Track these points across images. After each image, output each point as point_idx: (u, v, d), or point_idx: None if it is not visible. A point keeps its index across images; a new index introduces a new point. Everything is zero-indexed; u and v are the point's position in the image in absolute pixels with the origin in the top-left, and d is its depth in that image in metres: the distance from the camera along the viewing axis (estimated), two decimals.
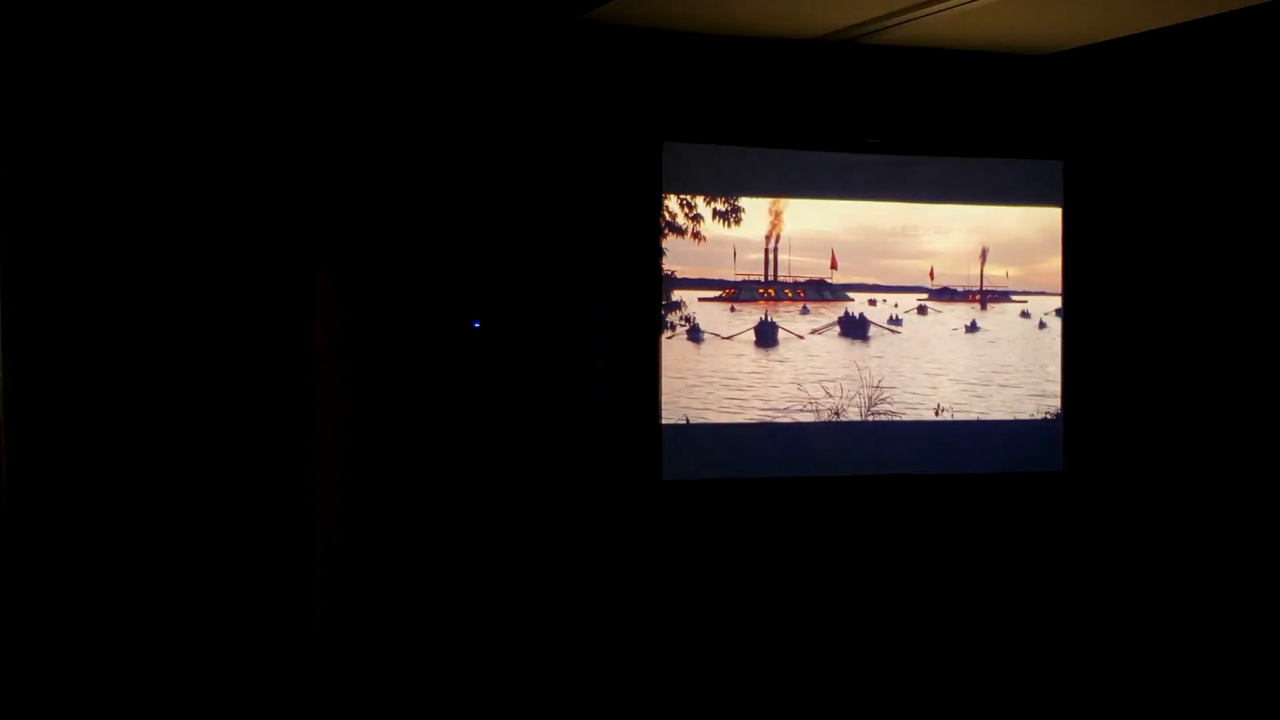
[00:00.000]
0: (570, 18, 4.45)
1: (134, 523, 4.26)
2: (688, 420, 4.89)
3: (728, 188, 4.90)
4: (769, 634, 5.06)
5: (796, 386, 4.98)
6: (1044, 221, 5.33)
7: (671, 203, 4.86)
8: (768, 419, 4.97)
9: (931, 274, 5.17)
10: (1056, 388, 5.33)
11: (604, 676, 4.89)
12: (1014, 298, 5.30)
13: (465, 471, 4.99)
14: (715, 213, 4.90)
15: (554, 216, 4.90)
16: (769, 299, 4.99)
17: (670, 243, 4.85)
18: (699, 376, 4.92)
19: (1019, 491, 5.44)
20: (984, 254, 5.25)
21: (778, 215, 4.97)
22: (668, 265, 4.86)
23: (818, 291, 5.05)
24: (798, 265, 5.03)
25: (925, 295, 5.18)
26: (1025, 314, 5.31)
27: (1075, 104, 5.62)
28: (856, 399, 5.05)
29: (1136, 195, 5.61)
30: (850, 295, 5.09)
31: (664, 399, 4.87)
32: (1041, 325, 5.33)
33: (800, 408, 5.00)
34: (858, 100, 5.16)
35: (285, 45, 4.49)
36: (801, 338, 5.03)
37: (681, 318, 4.88)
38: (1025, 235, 5.31)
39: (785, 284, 5.02)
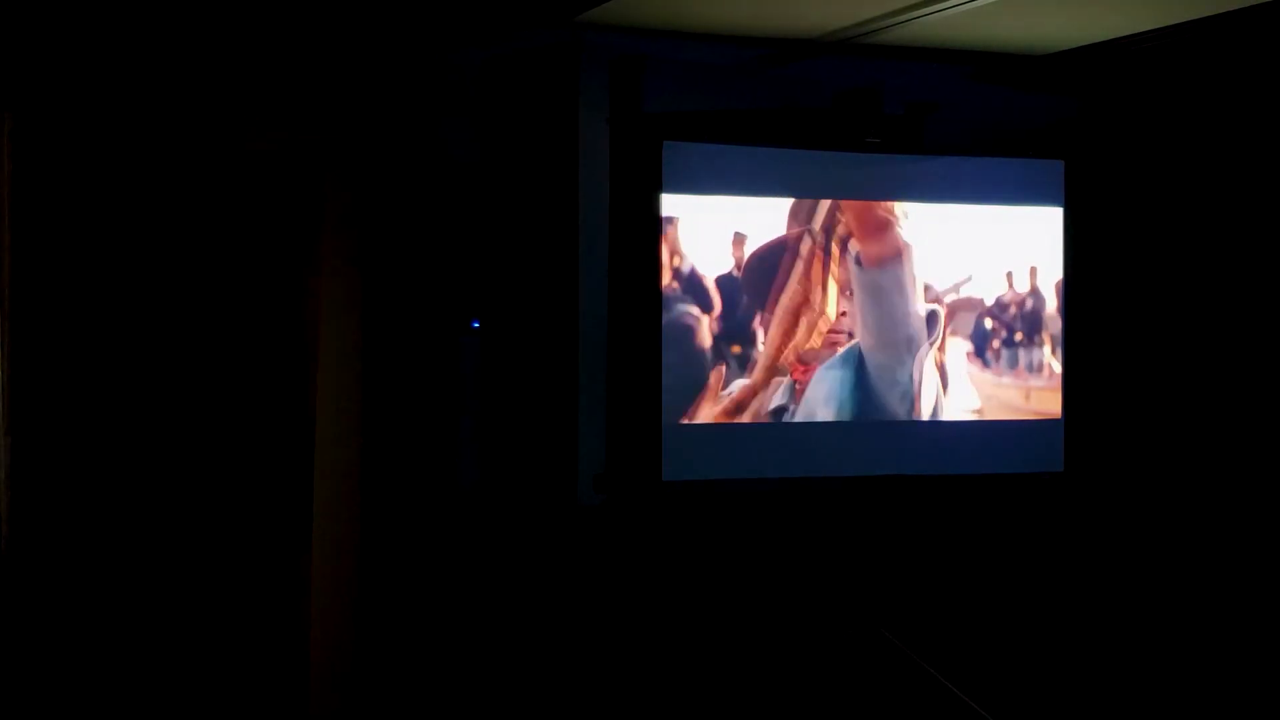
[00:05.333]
0: (568, 17, 4.45)
1: (132, 524, 4.27)
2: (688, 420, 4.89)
3: (727, 187, 4.90)
4: (770, 635, 5.06)
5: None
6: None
7: None
8: (768, 419, 4.96)
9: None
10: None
11: (604, 679, 4.88)
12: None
13: (465, 471, 5.00)
14: None
15: (553, 216, 4.90)
16: None
17: None
18: None
19: (1020, 492, 5.43)
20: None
21: None
22: None
23: None
24: None
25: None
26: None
27: (1075, 104, 5.62)
28: None
29: (1138, 195, 5.61)
30: None
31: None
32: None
33: None
34: (858, 100, 5.17)
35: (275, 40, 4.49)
36: None
37: None
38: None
39: None
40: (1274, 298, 5.24)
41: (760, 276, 4.94)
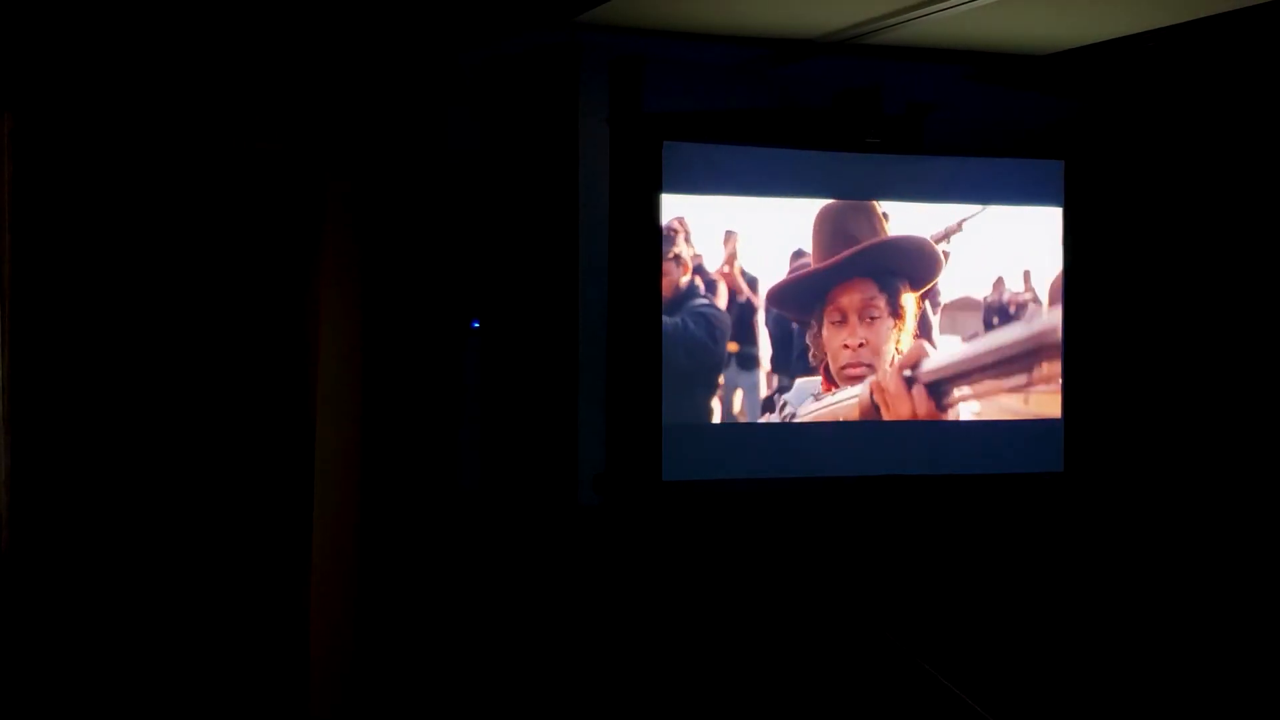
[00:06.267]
0: (568, 17, 4.45)
1: (134, 523, 4.26)
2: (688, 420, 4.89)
3: (727, 187, 4.90)
4: (770, 635, 5.06)
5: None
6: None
7: None
8: (768, 419, 4.96)
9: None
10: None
11: (604, 679, 4.89)
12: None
13: (465, 471, 5.00)
14: None
15: (554, 217, 4.90)
16: None
17: None
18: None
19: (1020, 492, 5.43)
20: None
21: None
22: None
23: None
24: None
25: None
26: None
27: (1075, 104, 5.62)
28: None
29: (1137, 195, 5.61)
30: None
31: None
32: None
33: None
34: (857, 100, 5.16)
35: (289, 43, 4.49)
36: None
37: None
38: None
39: None
40: (1273, 298, 5.24)
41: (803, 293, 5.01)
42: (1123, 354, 5.63)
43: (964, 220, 5.16)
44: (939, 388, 5.16)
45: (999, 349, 5.24)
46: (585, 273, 4.84)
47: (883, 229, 5.09)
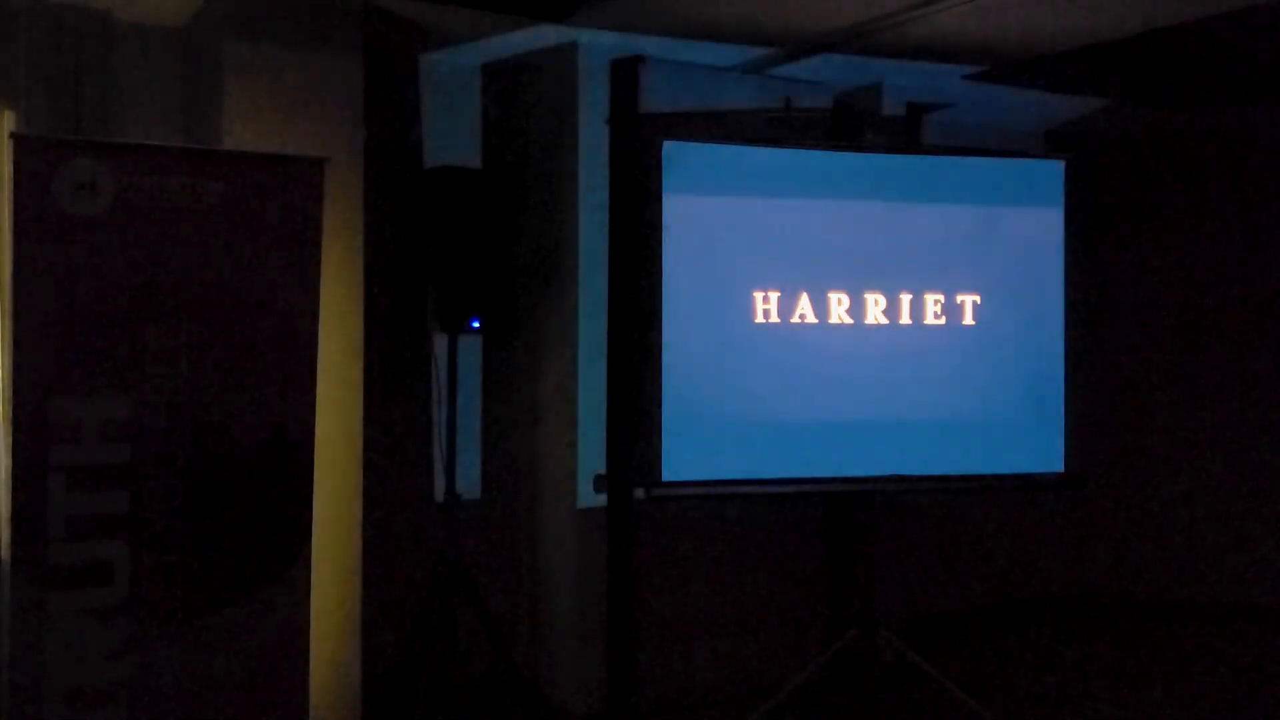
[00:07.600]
0: (567, 17, 4.46)
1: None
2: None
3: (727, 187, 4.90)
4: (770, 633, 5.07)
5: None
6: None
7: None
8: (767, 418, 4.96)
9: None
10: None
11: (603, 679, 4.89)
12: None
13: (464, 471, 5.00)
14: None
15: (553, 216, 4.91)
16: None
17: None
18: None
19: (1019, 492, 5.44)
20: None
21: None
22: None
23: None
24: None
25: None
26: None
27: (1076, 104, 5.63)
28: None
29: (1137, 195, 5.62)
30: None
31: None
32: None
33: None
34: (858, 100, 5.18)
35: None
36: None
37: None
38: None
39: None
40: (1274, 298, 5.25)
41: None
42: (1123, 354, 5.64)
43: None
44: None
45: None
46: (584, 272, 4.84)
47: None
